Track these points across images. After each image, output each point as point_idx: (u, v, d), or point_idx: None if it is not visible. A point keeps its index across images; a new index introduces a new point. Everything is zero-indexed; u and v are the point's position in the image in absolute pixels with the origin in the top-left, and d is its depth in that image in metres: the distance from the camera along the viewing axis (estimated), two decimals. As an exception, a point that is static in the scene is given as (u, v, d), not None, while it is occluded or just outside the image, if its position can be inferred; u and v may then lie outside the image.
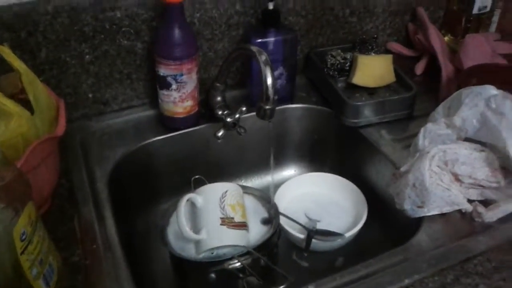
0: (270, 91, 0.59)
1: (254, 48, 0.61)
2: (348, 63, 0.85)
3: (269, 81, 0.58)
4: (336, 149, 0.86)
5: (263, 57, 0.59)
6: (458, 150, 0.65)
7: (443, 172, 0.64)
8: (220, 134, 0.75)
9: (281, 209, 0.71)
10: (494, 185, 0.64)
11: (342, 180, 0.79)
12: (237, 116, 0.75)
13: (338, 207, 0.78)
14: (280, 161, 0.89)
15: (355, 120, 0.79)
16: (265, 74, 0.58)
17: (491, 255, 0.59)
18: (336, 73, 0.85)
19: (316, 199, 0.79)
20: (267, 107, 0.60)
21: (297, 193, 0.80)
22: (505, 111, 0.63)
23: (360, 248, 0.73)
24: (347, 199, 0.78)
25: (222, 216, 0.62)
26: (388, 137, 0.78)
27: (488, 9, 0.94)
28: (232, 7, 0.79)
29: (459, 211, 0.64)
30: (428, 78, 0.92)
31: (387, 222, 0.74)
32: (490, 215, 0.62)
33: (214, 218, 0.61)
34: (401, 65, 0.89)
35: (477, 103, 0.66)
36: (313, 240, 0.70)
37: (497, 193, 0.64)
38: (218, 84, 0.76)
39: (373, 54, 0.88)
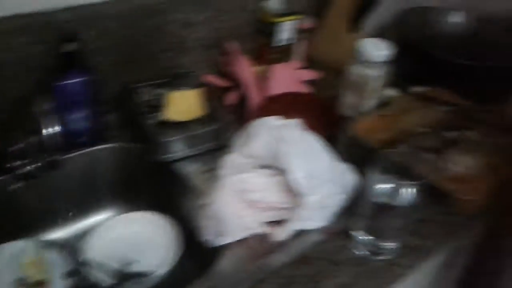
0: (54, 141, 0.57)
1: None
2: (159, 99, 0.87)
3: (53, 130, 0.57)
4: (152, 186, 0.85)
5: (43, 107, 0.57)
6: (251, 178, 0.70)
7: (238, 200, 0.68)
8: (14, 186, 0.70)
9: (93, 256, 0.69)
10: (286, 205, 0.71)
11: (156, 218, 0.79)
12: (33, 165, 0.71)
13: (154, 245, 0.77)
14: (94, 204, 0.86)
15: (167, 156, 0.81)
16: (48, 125, 0.57)
17: (283, 272, 0.64)
18: (147, 109, 0.86)
19: (131, 240, 0.78)
20: (53, 158, 0.58)
21: (110, 236, 0.77)
22: (286, 138, 0.70)
23: (175, 282, 0.74)
24: (162, 235, 0.78)
25: (17, 277, 0.58)
26: (199, 169, 0.81)
27: (290, 41, 1.04)
28: (29, 48, 0.75)
29: (257, 234, 0.69)
30: (242, 108, 0.99)
31: (199, 253, 0.76)
32: (279, 233, 0.68)
33: (9, 281, 0.57)
34: (217, 97, 0.93)
35: (263, 133, 0.72)
36: (127, 284, 0.69)
37: (290, 213, 0.70)
38: (11, 133, 0.71)
39: (185, 88, 0.91)
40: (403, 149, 0.76)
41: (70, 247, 0.67)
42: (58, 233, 0.81)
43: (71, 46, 0.75)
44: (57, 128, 0.58)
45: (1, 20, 0.72)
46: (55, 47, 0.77)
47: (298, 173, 0.68)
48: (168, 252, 0.75)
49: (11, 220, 0.75)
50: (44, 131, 0.57)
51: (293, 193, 0.71)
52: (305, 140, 0.72)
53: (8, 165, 0.70)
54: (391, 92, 0.95)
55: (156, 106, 0.86)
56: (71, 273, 0.63)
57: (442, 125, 0.84)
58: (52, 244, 0.67)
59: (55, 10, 0.77)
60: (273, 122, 0.73)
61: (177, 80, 0.92)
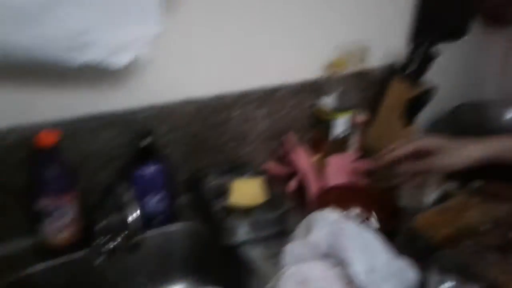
0: (134, 225, 0.64)
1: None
2: (225, 186, 0.94)
3: (133, 216, 0.64)
4: (219, 266, 0.90)
5: (126, 197, 0.65)
6: (312, 269, 0.73)
7: (300, 290, 0.71)
8: (101, 260, 0.77)
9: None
10: (346, 298, 0.72)
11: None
12: (116, 242, 0.78)
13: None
14: (167, 279, 0.92)
15: (232, 239, 0.86)
16: (129, 210, 0.64)
17: None
18: (214, 195, 0.93)
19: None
20: (133, 240, 0.65)
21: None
22: (346, 233, 0.73)
23: None
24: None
25: None
26: (263, 253, 0.85)
27: (345, 133, 1.11)
28: (112, 141, 0.86)
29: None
30: (303, 194, 1.04)
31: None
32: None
33: None
34: (278, 184, 1.00)
35: (325, 225, 0.76)
36: None
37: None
38: (98, 212, 0.80)
39: (248, 176, 0.98)
40: (465, 247, 0.77)
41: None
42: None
43: (147, 140, 0.85)
44: (137, 211, 0.65)
45: (90, 119, 0.83)
46: (133, 140, 0.87)
47: (359, 267, 0.70)
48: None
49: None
50: (126, 214, 0.64)
51: (353, 286, 0.73)
52: (364, 233, 0.75)
53: (95, 243, 0.77)
54: (450, 186, 0.97)
55: (222, 191, 0.94)
56: None
57: (505, 223, 0.84)
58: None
59: (134, 109, 0.87)
60: (331, 215, 0.77)
61: (241, 168, 1.00)
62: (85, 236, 0.82)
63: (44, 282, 0.78)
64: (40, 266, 0.78)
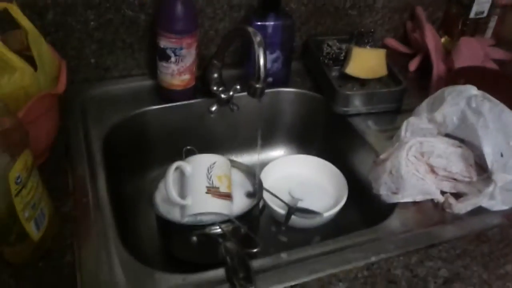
0: (262, 70, 0.61)
1: (249, 29, 0.64)
2: (343, 54, 0.88)
3: (262, 61, 0.61)
4: (324, 134, 0.89)
5: (257, 38, 0.62)
6: (435, 143, 0.68)
7: (419, 163, 0.67)
8: (213, 109, 0.78)
9: (267, 185, 0.75)
10: (467, 179, 0.68)
11: (327, 164, 0.82)
12: (231, 93, 0.78)
13: (321, 189, 0.81)
14: (270, 141, 0.92)
15: (345, 109, 0.82)
16: (258, 54, 0.61)
17: (456, 244, 0.62)
18: (330, 61, 0.88)
19: (301, 180, 0.83)
20: (258, 85, 0.63)
21: (283, 172, 0.83)
22: (483, 111, 0.66)
23: (337, 228, 0.77)
24: (330, 182, 0.81)
25: (208, 185, 0.65)
26: (375, 127, 0.81)
27: (485, 14, 0.97)
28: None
29: (431, 200, 0.68)
30: (421, 75, 0.96)
31: (365, 206, 0.77)
32: (460, 207, 0.65)
33: (201, 186, 0.64)
34: (396, 61, 0.92)
35: (458, 102, 0.69)
36: (293, 217, 0.74)
37: (469, 187, 0.68)
38: (215, 61, 0.79)
39: (368, 47, 0.91)
40: None
41: (251, 172, 0.72)
42: (237, 159, 0.89)
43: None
44: (263, 59, 0.62)
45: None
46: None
47: (493, 149, 0.64)
48: (334, 198, 0.78)
49: (205, 137, 0.85)
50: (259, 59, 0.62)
51: (476, 168, 0.68)
52: (504, 114, 0.67)
53: (214, 88, 0.78)
54: None
55: (339, 59, 0.88)
56: (251, 195, 0.69)
57: None
58: (240, 165, 0.73)
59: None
60: (471, 91, 0.69)
61: (361, 38, 0.92)
62: (200, 85, 0.82)
63: (157, 121, 0.81)
64: (156, 106, 0.81)
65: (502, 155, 0.65)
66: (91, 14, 0.77)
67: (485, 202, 0.65)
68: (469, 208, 0.66)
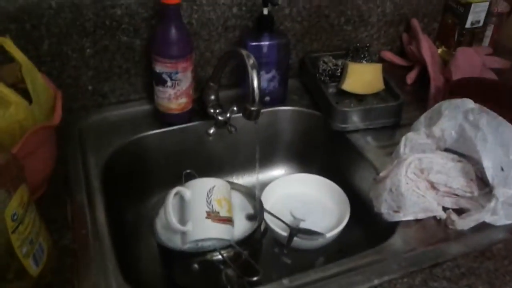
0: (256, 93, 0.61)
1: (243, 52, 0.64)
2: (339, 70, 0.88)
3: (255, 84, 0.61)
4: (324, 152, 0.88)
5: (250, 61, 0.62)
6: (434, 159, 0.67)
7: (419, 179, 0.67)
8: (211, 131, 0.78)
9: (268, 206, 0.74)
10: (468, 194, 0.67)
11: (328, 182, 0.82)
12: (228, 115, 0.78)
13: (323, 208, 0.80)
14: (270, 160, 0.92)
15: (343, 125, 0.82)
16: (251, 76, 0.61)
17: (460, 262, 0.61)
18: (327, 78, 0.88)
19: (302, 199, 0.82)
20: (253, 108, 0.63)
21: (284, 192, 0.83)
22: (481, 124, 0.66)
23: (340, 248, 0.76)
24: (332, 200, 0.81)
25: (208, 210, 0.64)
26: (374, 143, 0.80)
27: (481, 23, 0.97)
28: (229, 10, 0.82)
29: (434, 217, 0.67)
30: (419, 87, 0.95)
31: (367, 225, 0.77)
32: (462, 224, 0.64)
33: (201, 211, 0.64)
34: (394, 74, 0.92)
35: (455, 115, 0.68)
36: (295, 238, 0.73)
37: (471, 203, 0.67)
38: (212, 84, 0.79)
39: (365, 62, 0.90)
40: None
41: (251, 194, 0.72)
42: (237, 180, 0.89)
43: (265, 11, 0.79)
44: (257, 81, 0.62)
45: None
46: (250, 12, 0.83)
47: (493, 163, 0.64)
48: (337, 217, 0.77)
49: (204, 159, 0.85)
50: (252, 82, 0.62)
51: (478, 182, 0.68)
52: (502, 127, 0.66)
53: (211, 111, 0.77)
54: None
55: (336, 76, 0.88)
56: (252, 217, 0.68)
57: None
58: (240, 187, 0.73)
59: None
60: (468, 105, 0.68)
61: (357, 53, 0.92)
62: (198, 107, 0.82)
63: (156, 145, 0.81)
64: (154, 131, 0.81)
65: (502, 169, 0.65)
66: (87, 42, 0.77)
67: (487, 218, 0.64)
68: (471, 224, 0.65)
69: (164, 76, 0.76)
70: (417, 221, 0.66)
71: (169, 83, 0.76)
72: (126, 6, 0.76)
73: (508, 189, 0.63)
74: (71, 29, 0.75)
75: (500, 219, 0.65)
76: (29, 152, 0.56)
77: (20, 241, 0.49)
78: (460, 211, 0.67)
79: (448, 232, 0.65)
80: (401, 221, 0.66)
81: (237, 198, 0.71)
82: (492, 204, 0.63)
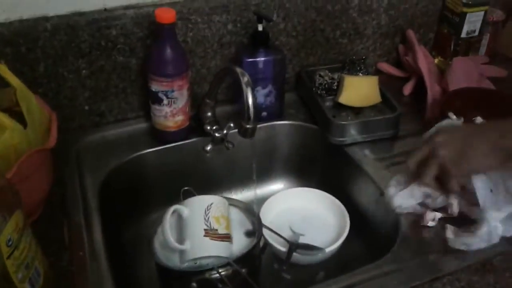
0: (251, 110, 0.62)
1: (237, 70, 0.64)
2: (336, 83, 0.88)
3: (250, 101, 0.61)
4: (322, 166, 0.88)
5: (245, 79, 0.62)
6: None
7: (416, 196, 0.66)
8: (208, 148, 0.78)
9: (267, 222, 0.74)
10: (468, 213, 0.67)
11: (327, 196, 0.81)
12: (225, 131, 0.78)
13: (322, 222, 0.80)
14: (268, 175, 0.92)
15: (340, 139, 0.82)
16: (246, 94, 0.61)
17: (460, 275, 0.61)
18: (324, 92, 0.88)
19: (302, 213, 0.82)
20: (248, 126, 0.63)
21: (283, 206, 0.82)
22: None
23: (341, 262, 0.75)
24: (331, 214, 0.80)
25: (206, 227, 0.64)
26: (372, 156, 0.80)
27: (476, 33, 0.97)
28: (224, 27, 0.83)
29: (434, 230, 0.66)
30: (416, 98, 0.95)
31: (367, 238, 0.76)
32: (454, 242, 0.64)
33: (198, 229, 0.64)
34: (391, 85, 0.92)
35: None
36: (295, 254, 0.72)
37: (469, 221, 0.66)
38: (208, 100, 0.79)
39: (361, 74, 0.91)
40: None
41: (250, 209, 0.71)
42: (236, 196, 0.89)
43: (260, 27, 0.80)
44: (252, 99, 0.62)
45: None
46: (244, 29, 0.83)
47: (482, 185, 0.63)
48: (336, 231, 0.76)
49: (202, 176, 0.85)
50: (247, 99, 0.62)
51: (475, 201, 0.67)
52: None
53: (207, 128, 0.78)
54: None
55: (332, 89, 0.88)
56: (251, 233, 0.68)
57: None
58: (238, 203, 0.72)
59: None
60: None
61: (353, 66, 0.92)
62: (194, 124, 0.82)
63: (153, 163, 0.81)
64: (151, 149, 0.81)
65: (491, 191, 0.64)
66: (83, 63, 0.78)
67: (483, 244, 0.63)
68: (462, 247, 0.63)
69: (160, 94, 0.76)
70: (417, 232, 0.66)
71: (165, 101, 0.76)
72: (121, 26, 0.76)
73: (498, 213, 0.62)
74: (67, 51, 0.75)
75: (494, 239, 0.64)
76: (25, 176, 0.56)
77: (16, 266, 0.49)
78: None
79: (448, 245, 0.65)
80: (401, 232, 0.66)
81: (236, 214, 0.71)
82: (485, 228, 0.62)
